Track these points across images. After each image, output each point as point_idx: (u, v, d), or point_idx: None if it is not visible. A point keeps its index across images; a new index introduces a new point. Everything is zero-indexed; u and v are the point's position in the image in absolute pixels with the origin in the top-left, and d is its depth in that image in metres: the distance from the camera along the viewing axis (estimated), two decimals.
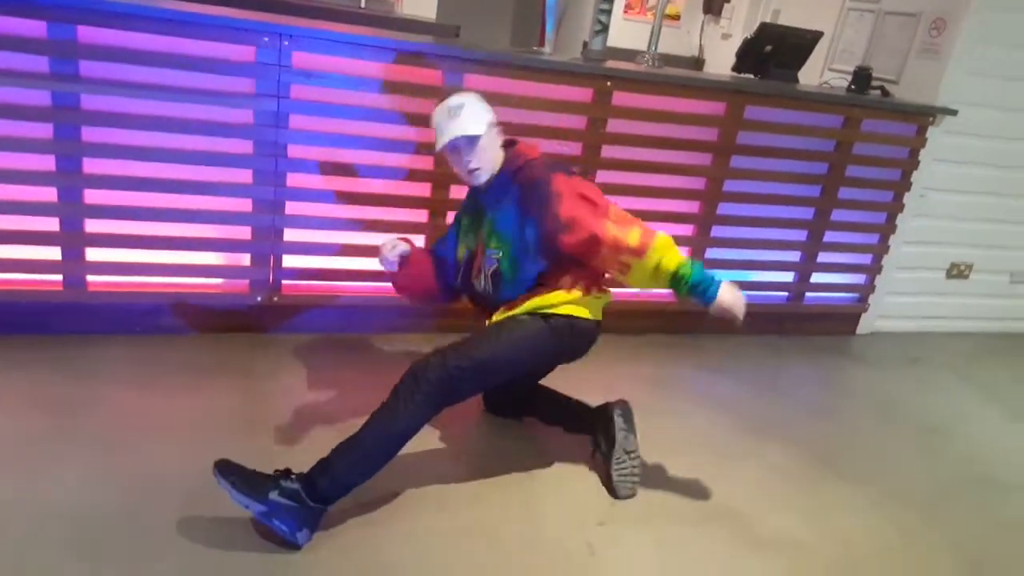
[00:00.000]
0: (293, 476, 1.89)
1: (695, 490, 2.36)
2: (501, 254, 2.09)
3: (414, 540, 1.97)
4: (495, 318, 2.13)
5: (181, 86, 2.44)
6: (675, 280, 2.02)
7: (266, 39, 2.45)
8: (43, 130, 2.38)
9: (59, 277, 2.56)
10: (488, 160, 2.06)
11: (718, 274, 2.04)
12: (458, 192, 2.70)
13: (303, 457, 1.97)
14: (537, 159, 2.12)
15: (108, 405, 2.32)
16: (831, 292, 3.60)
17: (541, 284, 2.11)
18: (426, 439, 2.37)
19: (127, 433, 2.20)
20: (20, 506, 1.88)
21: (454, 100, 2.05)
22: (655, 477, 2.38)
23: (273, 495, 1.83)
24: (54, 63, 2.31)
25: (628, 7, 5.52)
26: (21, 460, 2.04)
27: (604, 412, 2.29)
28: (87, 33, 2.32)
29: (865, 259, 3.57)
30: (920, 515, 2.41)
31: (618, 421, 2.25)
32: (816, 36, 3.42)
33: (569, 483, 2.30)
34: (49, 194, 2.45)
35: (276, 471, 1.91)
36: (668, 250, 2.02)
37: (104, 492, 1.96)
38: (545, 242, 2.03)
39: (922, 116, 3.33)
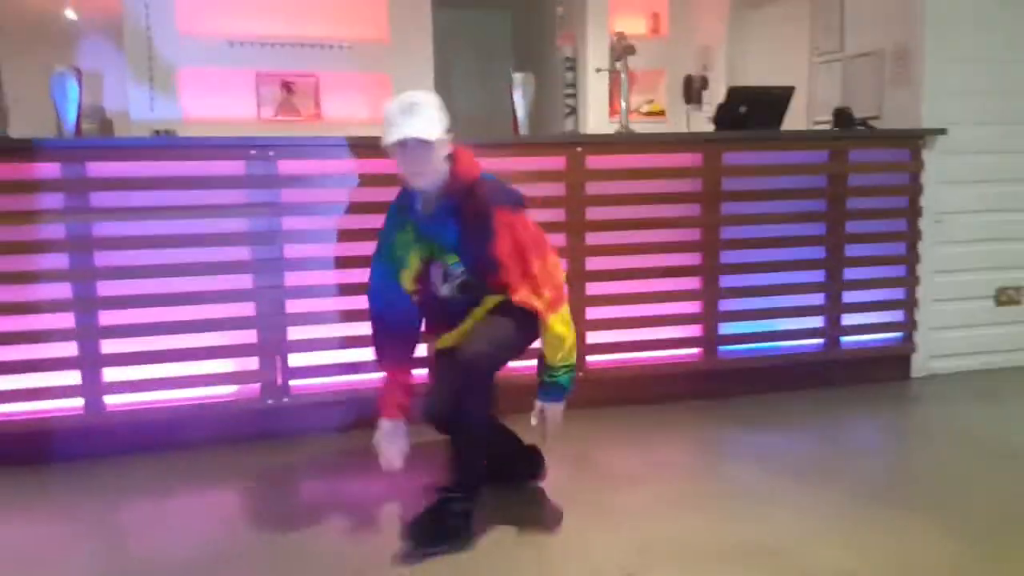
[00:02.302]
0: (449, 493, 2.09)
1: (735, 531, 2.14)
2: (463, 268, 2.13)
3: None
4: (465, 326, 2.17)
5: (181, 205, 2.68)
6: (551, 361, 2.10)
7: (253, 152, 2.71)
8: (60, 260, 2.61)
9: (80, 401, 2.67)
10: (432, 169, 2.03)
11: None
12: None
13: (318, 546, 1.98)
14: (480, 183, 2.10)
15: (123, 516, 2.34)
16: (869, 335, 3.40)
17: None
18: None
19: (138, 540, 2.20)
20: None
21: (411, 96, 2.02)
22: (690, 523, 2.18)
23: (464, 532, 2.06)
24: (68, 198, 2.60)
25: (613, 111, 5.75)
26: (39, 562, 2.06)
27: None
28: (95, 168, 2.61)
29: (897, 294, 3.39)
30: (992, 540, 2.07)
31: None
32: (788, 91, 3.52)
33: (586, 538, 2.11)
34: (67, 320, 2.64)
35: (439, 495, 2.10)
36: (561, 328, 2.05)
37: None
38: (483, 271, 2.10)
39: (911, 139, 3.32)
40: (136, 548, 2.14)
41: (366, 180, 2.79)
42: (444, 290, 2.18)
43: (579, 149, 2.96)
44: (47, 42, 4.47)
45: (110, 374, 2.69)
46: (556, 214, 2.97)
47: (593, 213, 3.01)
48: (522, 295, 2.04)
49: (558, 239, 2.98)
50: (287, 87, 5.18)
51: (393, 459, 2.12)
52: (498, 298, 2.13)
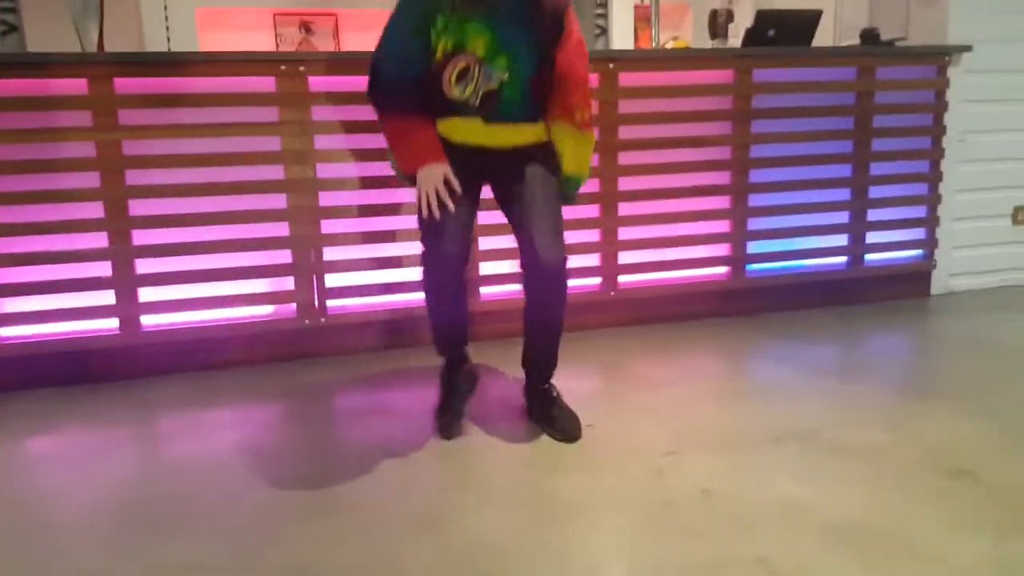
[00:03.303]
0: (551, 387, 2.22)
1: (770, 418, 2.24)
2: (508, 76, 1.95)
3: (474, 512, 1.96)
4: (498, 138, 2.03)
5: (211, 122, 2.62)
6: (574, 173, 2.11)
7: (283, 67, 2.65)
8: (91, 179, 2.56)
9: (115, 322, 2.65)
10: None
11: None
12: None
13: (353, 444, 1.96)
14: None
15: (160, 427, 2.35)
16: (892, 252, 3.44)
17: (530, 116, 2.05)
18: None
19: (173, 445, 2.24)
20: (77, 494, 1.92)
21: None
22: (726, 413, 2.28)
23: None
24: (96, 116, 2.53)
25: (638, 48, 5.69)
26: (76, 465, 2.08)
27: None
28: (123, 84, 2.54)
29: (919, 211, 3.42)
30: (1008, 422, 2.18)
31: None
32: (816, 13, 3.48)
33: (626, 429, 2.19)
34: (100, 239, 2.60)
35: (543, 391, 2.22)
36: (591, 146, 2.14)
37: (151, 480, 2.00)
38: (539, 70, 1.99)
39: (937, 56, 3.30)
40: (172, 451, 2.16)
41: None
42: (456, 91, 1.94)
43: (612, 65, 2.91)
44: None
45: (145, 294, 2.66)
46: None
47: (625, 132, 2.99)
48: (569, 106, 2.02)
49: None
50: (306, 26, 5.06)
51: (446, 200, 1.94)
52: (526, 135, 2.05)
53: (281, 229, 2.74)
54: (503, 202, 2.11)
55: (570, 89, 2.03)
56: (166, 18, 4.63)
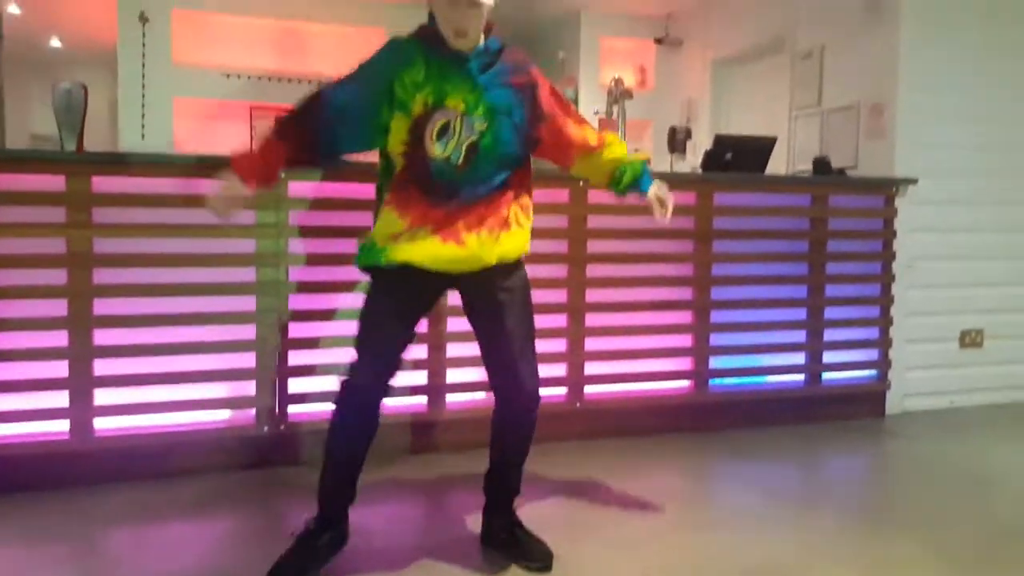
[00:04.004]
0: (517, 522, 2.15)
1: (742, 552, 2.22)
2: (486, 126, 1.93)
3: None
4: (469, 244, 1.93)
5: (186, 223, 2.62)
6: (623, 168, 2.14)
7: None
8: (58, 276, 2.52)
9: (66, 424, 2.55)
10: (478, 33, 1.92)
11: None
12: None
13: None
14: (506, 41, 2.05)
15: (107, 543, 2.24)
16: (848, 371, 3.53)
17: (507, 189, 2.00)
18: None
19: (119, 566, 2.10)
20: None
21: None
22: (698, 547, 2.24)
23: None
24: (70, 212, 2.52)
25: None
26: None
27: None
28: (101, 183, 2.55)
29: (872, 333, 3.55)
30: (979, 557, 2.22)
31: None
32: (771, 140, 3.70)
33: (600, 565, 2.13)
34: (60, 338, 2.53)
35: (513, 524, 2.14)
36: (618, 144, 2.16)
37: None
38: (525, 128, 2.00)
39: (884, 187, 3.52)
40: (114, 574, 2.03)
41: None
42: (437, 149, 1.90)
43: (582, 183, 3.03)
44: (31, 70, 4.38)
45: (100, 397, 2.58)
46: (559, 245, 3.03)
47: (594, 246, 3.09)
48: (585, 135, 2.12)
49: (560, 270, 3.04)
50: None
51: (227, 209, 2.00)
52: (516, 242, 2.01)
53: (247, 332, 2.71)
54: (477, 323, 2.08)
55: (577, 145, 2.12)
56: (143, 106, 4.71)
